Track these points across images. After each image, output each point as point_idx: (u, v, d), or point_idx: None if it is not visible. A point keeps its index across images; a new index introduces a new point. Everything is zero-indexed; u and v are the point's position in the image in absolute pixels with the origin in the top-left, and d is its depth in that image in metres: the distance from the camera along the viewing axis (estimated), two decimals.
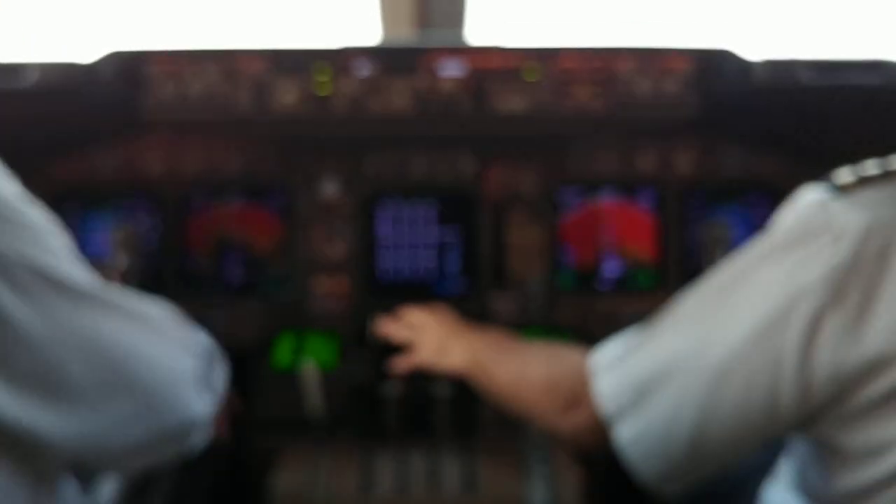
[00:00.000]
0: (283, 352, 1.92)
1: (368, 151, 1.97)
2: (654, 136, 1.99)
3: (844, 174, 1.13)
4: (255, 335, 1.95)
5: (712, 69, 1.83)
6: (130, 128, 1.90)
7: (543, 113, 1.82)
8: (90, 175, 1.96)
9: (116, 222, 1.94)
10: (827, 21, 2.66)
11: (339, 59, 1.81)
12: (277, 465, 1.78)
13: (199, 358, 1.34)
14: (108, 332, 1.11)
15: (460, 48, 1.84)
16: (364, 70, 1.81)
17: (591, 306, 1.99)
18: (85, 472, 1.32)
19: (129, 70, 1.80)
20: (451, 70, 1.82)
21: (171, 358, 1.24)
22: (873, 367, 1.02)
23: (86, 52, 1.80)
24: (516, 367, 1.45)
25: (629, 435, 1.20)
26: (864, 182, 1.11)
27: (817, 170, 1.29)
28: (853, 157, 1.24)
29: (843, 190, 1.11)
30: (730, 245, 1.87)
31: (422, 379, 1.79)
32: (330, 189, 1.97)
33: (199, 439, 1.34)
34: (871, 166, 1.14)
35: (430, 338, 1.67)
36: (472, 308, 1.91)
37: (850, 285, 1.03)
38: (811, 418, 1.09)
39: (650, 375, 1.18)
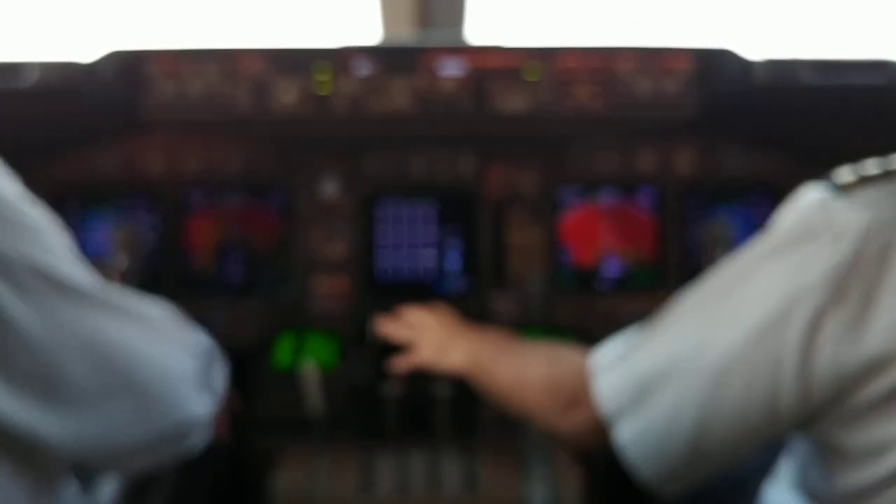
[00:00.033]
0: (282, 352, 1.92)
1: (368, 151, 1.97)
2: (655, 136, 1.99)
3: (845, 173, 1.13)
4: (255, 335, 1.95)
5: (713, 69, 1.83)
6: (130, 127, 1.90)
7: (543, 112, 1.82)
8: (90, 175, 1.96)
9: (116, 222, 1.93)
10: (828, 21, 2.66)
11: (339, 59, 1.81)
12: (277, 465, 1.78)
13: (198, 358, 1.34)
14: (108, 332, 1.11)
15: (460, 48, 1.84)
16: (364, 69, 1.81)
17: (591, 306, 1.98)
18: (85, 472, 1.32)
19: (129, 69, 1.80)
20: (451, 69, 1.82)
21: (170, 358, 1.24)
22: (874, 367, 1.02)
23: (86, 51, 1.81)
24: (516, 367, 1.45)
25: (629, 435, 1.20)
26: (864, 181, 1.11)
27: (818, 169, 1.29)
28: (854, 157, 1.23)
29: (843, 189, 1.10)
30: (730, 245, 1.87)
31: (422, 379, 1.79)
32: (330, 189, 1.97)
33: (199, 439, 1.34)
34: (871, 165, 1.14)
35: (430, 337, 1.67)
36: (472, 308, 1.91)
37: (850, 285, 1.03)
38: (812, 418, 1.09)
39: (650, 375, 1.18)
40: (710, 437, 1.14)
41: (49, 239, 1.06)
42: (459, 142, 1.97)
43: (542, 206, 1.98)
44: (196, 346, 1.35)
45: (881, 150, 1.25)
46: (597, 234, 2.00)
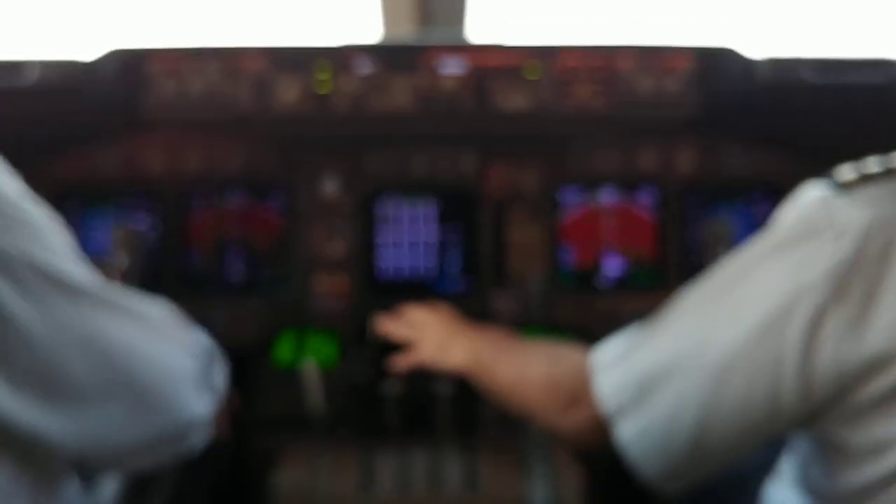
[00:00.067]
0: (283, 350, 1.92)
1: (369, 149, 1.97)
2: (656, 135, 1.99)
3: (846, 171, 1.13)
4: (256, 334, 1.95)
5: (714, 67, 1.83)
6: (131, 126, 1.89)
7: (544, 111, 1.82)
8: (91, 173, 1.96)
9: (117, 221, 1.93)
10: (830, 20, 2.66)
11: (340, 57, 1.81)
12: (278, 464, 1.77)
13: (198, 358, 1.34)
14: (109, 331, 1.11)
15: (461, 46, 1.84)
16: (365, 68, 1.81)
17: (592, 305, 1.98)
18: (86, 471, 1.32)
19: (130, 68, 1.80)
20: (452, 68, 1.82)
21: (170, 357, 1.24)
22: (876, 365, 1.02)
23: (86, 49, 1.81)
24: (517, 366, 1.45)
25: (630, 433, 1.20)
26: (866, 179, 1.10)
27: (820, 168, 1.29)
28: (856, 156, 1.23)
29: (845, 187, 1.10)
30: (731, 244, 1.86)
31: (422, 377, 1.79)
32: (330, 187, 1.97)
33: (199, 439, 1.34)
34: (873, 163, 1.14)
35: (430, 336, 1.67)
36: (473, 306, 1.91)
37: (852, 282, 1.03)
38: (813, 416, 1.09)
39: (651, 373, 1.18)
40: (712, 436, 1.14)
41: (50, 237, 1.06)
42: (460, 140, 1.96)
43: (542, 205, 1.98)
44: (196, 346, 1.35)
45: (883, 149, 1.25)
46: (597, 233, 2.00)
